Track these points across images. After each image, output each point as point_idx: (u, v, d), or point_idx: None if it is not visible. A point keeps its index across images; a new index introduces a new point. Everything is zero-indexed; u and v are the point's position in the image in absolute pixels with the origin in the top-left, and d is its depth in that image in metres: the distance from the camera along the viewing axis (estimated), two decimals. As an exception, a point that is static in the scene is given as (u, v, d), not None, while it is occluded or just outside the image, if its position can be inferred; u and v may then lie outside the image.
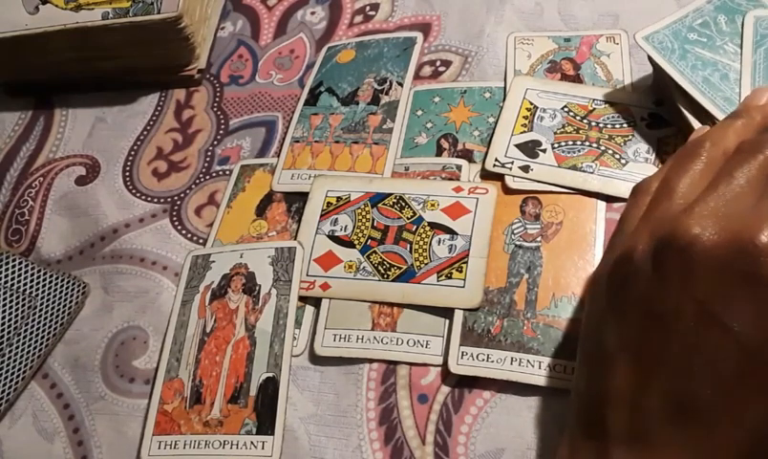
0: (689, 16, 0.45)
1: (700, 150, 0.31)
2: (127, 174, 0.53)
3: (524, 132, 0.47)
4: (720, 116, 0.40)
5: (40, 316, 0.46)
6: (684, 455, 0.26)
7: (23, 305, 0.46)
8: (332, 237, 0.45)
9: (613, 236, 0.33)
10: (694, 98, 0.41)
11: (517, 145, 0.47)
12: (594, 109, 0.47)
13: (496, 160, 0.46)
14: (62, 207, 0.53)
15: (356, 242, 0.45)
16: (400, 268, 0.43)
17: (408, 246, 0.44)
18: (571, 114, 0.48)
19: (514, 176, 0.45)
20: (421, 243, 0.44)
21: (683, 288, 0.26)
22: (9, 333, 0.45)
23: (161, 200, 0.51)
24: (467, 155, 0.48)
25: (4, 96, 0.61)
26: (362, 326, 0.42)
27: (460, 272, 0.42)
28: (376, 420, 0.40)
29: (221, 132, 0.54)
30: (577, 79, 0.50)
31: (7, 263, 0.48)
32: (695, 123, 0.42)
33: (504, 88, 0.51)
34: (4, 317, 0.46)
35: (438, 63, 0.54)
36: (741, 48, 0.43)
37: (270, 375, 0.41)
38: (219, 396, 0.41)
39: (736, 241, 0.24)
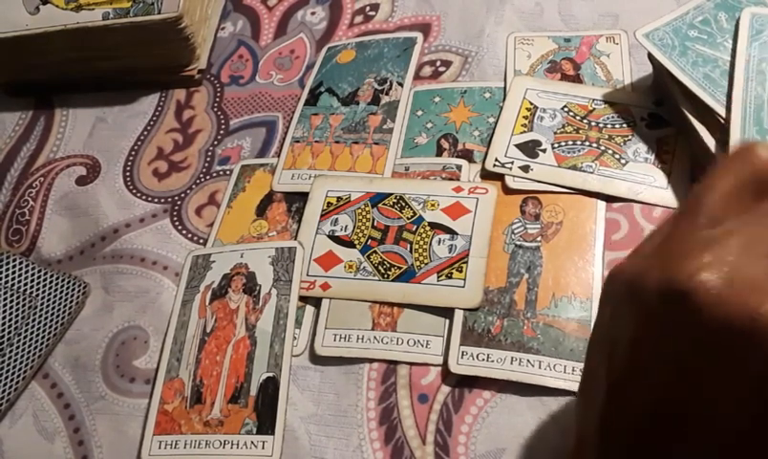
0: (689, 14, 0.45)
1: (737, 164, 0.28)
2: (127, 174, 0.53)
3: (524, 132, 0.47)
4: (721, 111, 0.40)
5: (40, 316, 0.46)
6: None
7: (23, 305, 0.46)
8: (333, 237, 0.45)
9: (650, 238, 0.32)
10: (695, 95, 0.42)
11: (517, 145, 0.47)
12: (594, 109, 0.47)
13: (496, 160, 0.46)
14: (62, 207, 0.53)
15: (356, 242, 0.45)
16: (400, 268, 0.43)
17: (408, 246, 0.44)
18: (571, 114, 0.48)
19: (514, 176, 0.45)
20: (421, 243, 0.44)
21: (679, 334, 0.24)
22: (9, 333, 0.45)
23: (162, 200, 0.51)
24: (467, 155, 0.48)
25: (4, 96, 0.61)
26: (362, 326, 0.42)
27: (460, 272, 0.42)
28: (377, 420, 0.40)
29: (221, 132, 0.54)
30: (577, 79, 0.50)
31: (7, 263, 0.48)
32: (696, 123, 0.42)
33: (504, 88, 0.51)
34: (4, 317, 0.46)
35: (438, 63, 0.54)
36: (735, 42, 0.43)
37: (271, 375, 0.41)
38: (219, 396, 0.41)
39: (742, 303, 0.22)
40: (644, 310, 0.26)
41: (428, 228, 0.44)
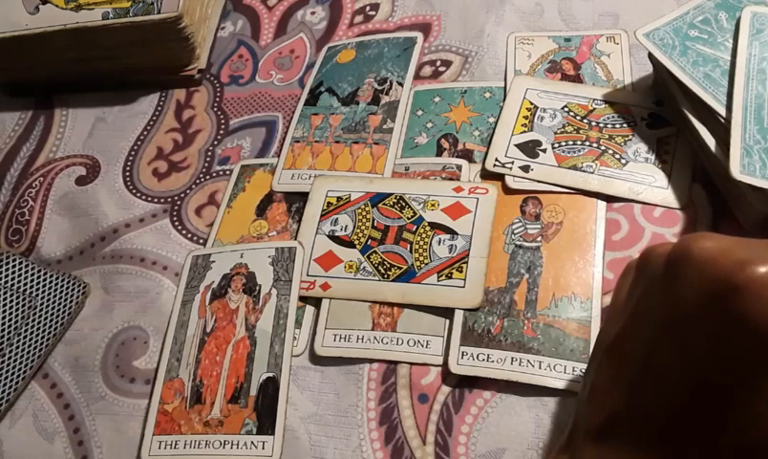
0: (689, 13, 0.45)
1: None
2: (127, 174, 0.53)
3: (525, 132, 0.47)
4: (722, 111, 0.40)
5: (40, 316, 0.46)
6: None
7: (23, 305, 0.46)
8: (333, 237, 0.45)
9: None
10: (695, 95, 0.41)
11: (517, 145, 0.47)
12: (594, 109, 0.47)
13: (496, 160, 0.46)
14: (62, 207, 0.53)
15: (356, 242, 0.45)
16: (400, 268, 0.43)
17: (408, 246, 0.44)
18: (571, 114, 0.47)
19: (514, 176, 0.45)
20: (421, 243, 0.44)
21: (666, 289, 0.26)
22: (9, 333, 0.45)
23: (162, 200, 0.51)
24: (467, 155, 0.48)
25: (4, 96, 0.61)
26: (362, 326, 0.42)
27: (461, 272, 0.42)
28: (377, 420, 0.40)
29: (221, 132, 0.54)
30: (577, 79, 0.50)
31: (7, 263, 0.48)
32: (696, 123, 0.42)
33: (505, 88, 0.51)
34: (4, 317, 0.46)
35: (439, 63, 0.54)
36: (736, 41, 0.43)
37: (271, 375, 0.41)
38: (219, 396, 0.41)
39: (724, 267, 0.24)
40: (649, 273, 0.28)
41: (428, 228, 0.44)
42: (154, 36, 0.54)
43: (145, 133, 0.56)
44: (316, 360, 0.42)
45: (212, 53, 0.59)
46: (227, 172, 0.52)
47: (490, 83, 0.51)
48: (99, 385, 0.44)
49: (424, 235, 0.44)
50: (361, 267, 0.44)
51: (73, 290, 0.47)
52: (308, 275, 0.44)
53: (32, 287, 0.47)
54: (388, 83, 0.52)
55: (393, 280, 0.43)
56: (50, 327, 0.46)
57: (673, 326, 0.25)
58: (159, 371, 0.43)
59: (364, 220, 0.46)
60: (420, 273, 0.43)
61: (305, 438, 0.40)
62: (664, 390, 0.25)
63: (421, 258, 0.43)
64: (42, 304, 0.46)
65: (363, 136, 0.50)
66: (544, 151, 0.46)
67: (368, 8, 0.59)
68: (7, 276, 0.47)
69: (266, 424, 0.40)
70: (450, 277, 0.42)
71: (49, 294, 0.47)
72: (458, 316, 0.41)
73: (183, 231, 0.49)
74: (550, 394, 0.38)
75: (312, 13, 0.60)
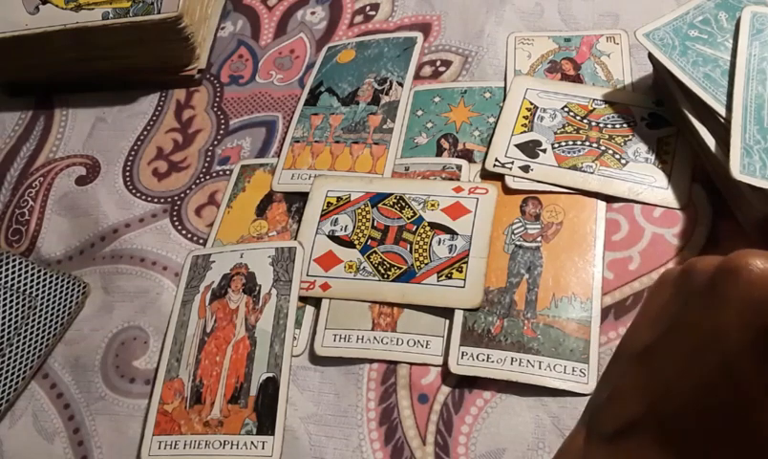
0: (689, 13, 0.45)
1: None
2: (127, 174, 0.53)
3: (525, 132, 0.47)
4: (722, 111, 0.40)
5: (40, 317, 0.46)
6: None
7: (23, 305, 0.46)
8: (333, 237, 0.45)
9: None
10: (695, 95, 0.41)
11: (517, 145, 0.47)
12: (594, 109, 0.47)
13: (496, 160, 0.46)
14: (62, 207, 0.53)
15: (356, 242, 0.45)
16: (400, 268, 0.43)
17: (408, 246, 0.44)
18: (571, 114, 0.47)
19: (514, 176, 0.45)
20: (421, 243, 0.44)
21: (710, 305, 0.25)
22: (9, 333, 0.45)
23: (161, 200, 0.51)
24: (467, 155, 0.48)
25: (4, 96, 0.61)
26: (362, 326, 0.42)
27: (460, 272, 0.42)
28: (377, 420, 0.40)
29: (221, 132, 0.54)
30: (577, 79, 0.50)
31: (7, 263, 0.48)
32: (696, 123, 0.42)
33: (504, 88, 0.50)
34: (4, 317, 0.46)
35: (439, 63, 0.54)
36: (736, 41, 0.43)
37: (271, 375, 0.41)
38: (219, 396, 0.41)
39: None
40: (691, 287, 0.27)
41: (428, 228, 0.44)
42: (154, 36, 0.54)
43: (145, 133, 0.56)
44: (316, 360, 0.42)
45: (212, 53, 0.59)
46: (227, 172, 0.52)
47: (490, 83, 0.51)
48: (99, 385, 0.44)
49: (424, 235, 0.44)
50: (361, 267, 0.44)
51: (73, 290, 0.47)
52: (308, 275, 0.44)
53: (32, 287, 0.47)
54: (388, 83, 0.52)
55: (393, 280, 0.43)
56: (50, 327, 0.46)
57: (715, 347, 0.24)
58: (158, 371, 0.43)
59: (364, 220, 0.46)
60: (420, 274, 0.43)
61: (305, 438, 0.40)
62: (699, 407, 0.25)
63: (421, 258, 0.43)
64: (42, 304, 0.46)
65: (363, 136, 0.50)
66: (544, 151, 0.46)
67: (368, 8, 0.59)
68: (7, 276, 0.47)
69: (265, 424, 0.40)
70: (450, 277, 0.42)
71: (49, 294, 0.47)
72: (458, 316, 0.41)
73: (183, 231, 0.49)
74: (550, 394, 0.38)
75: (312, 13, 0.60)
